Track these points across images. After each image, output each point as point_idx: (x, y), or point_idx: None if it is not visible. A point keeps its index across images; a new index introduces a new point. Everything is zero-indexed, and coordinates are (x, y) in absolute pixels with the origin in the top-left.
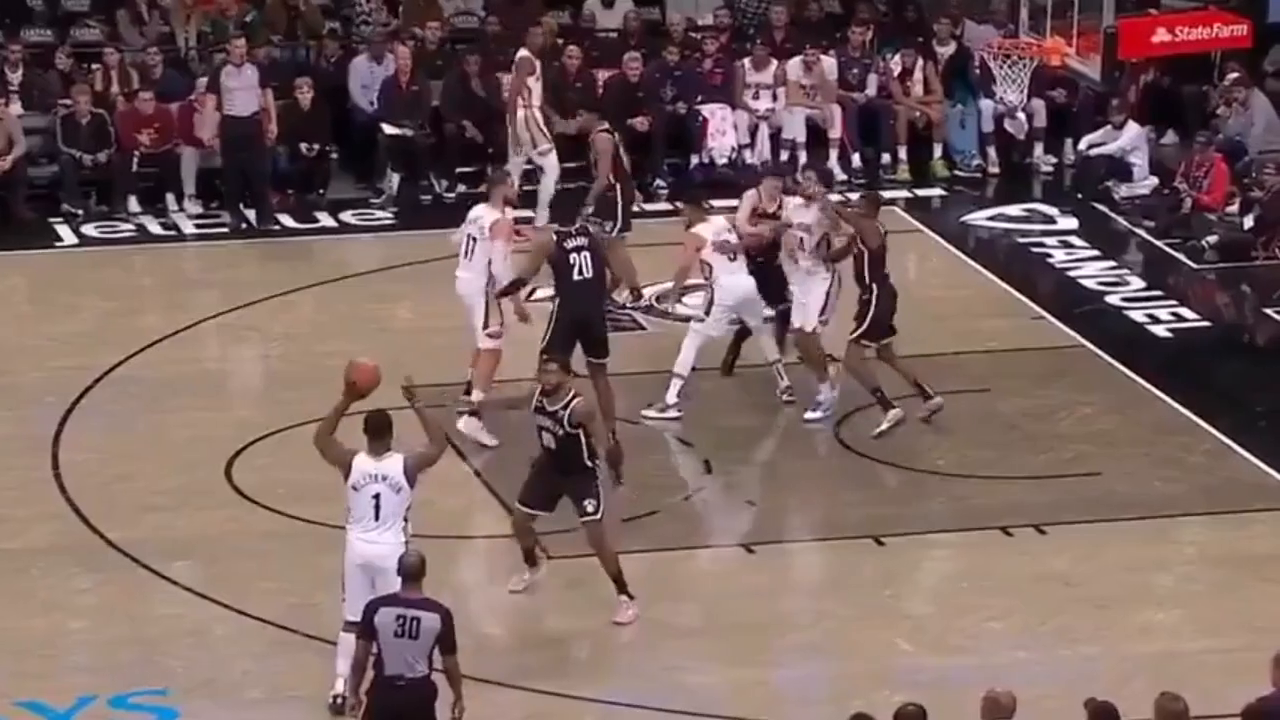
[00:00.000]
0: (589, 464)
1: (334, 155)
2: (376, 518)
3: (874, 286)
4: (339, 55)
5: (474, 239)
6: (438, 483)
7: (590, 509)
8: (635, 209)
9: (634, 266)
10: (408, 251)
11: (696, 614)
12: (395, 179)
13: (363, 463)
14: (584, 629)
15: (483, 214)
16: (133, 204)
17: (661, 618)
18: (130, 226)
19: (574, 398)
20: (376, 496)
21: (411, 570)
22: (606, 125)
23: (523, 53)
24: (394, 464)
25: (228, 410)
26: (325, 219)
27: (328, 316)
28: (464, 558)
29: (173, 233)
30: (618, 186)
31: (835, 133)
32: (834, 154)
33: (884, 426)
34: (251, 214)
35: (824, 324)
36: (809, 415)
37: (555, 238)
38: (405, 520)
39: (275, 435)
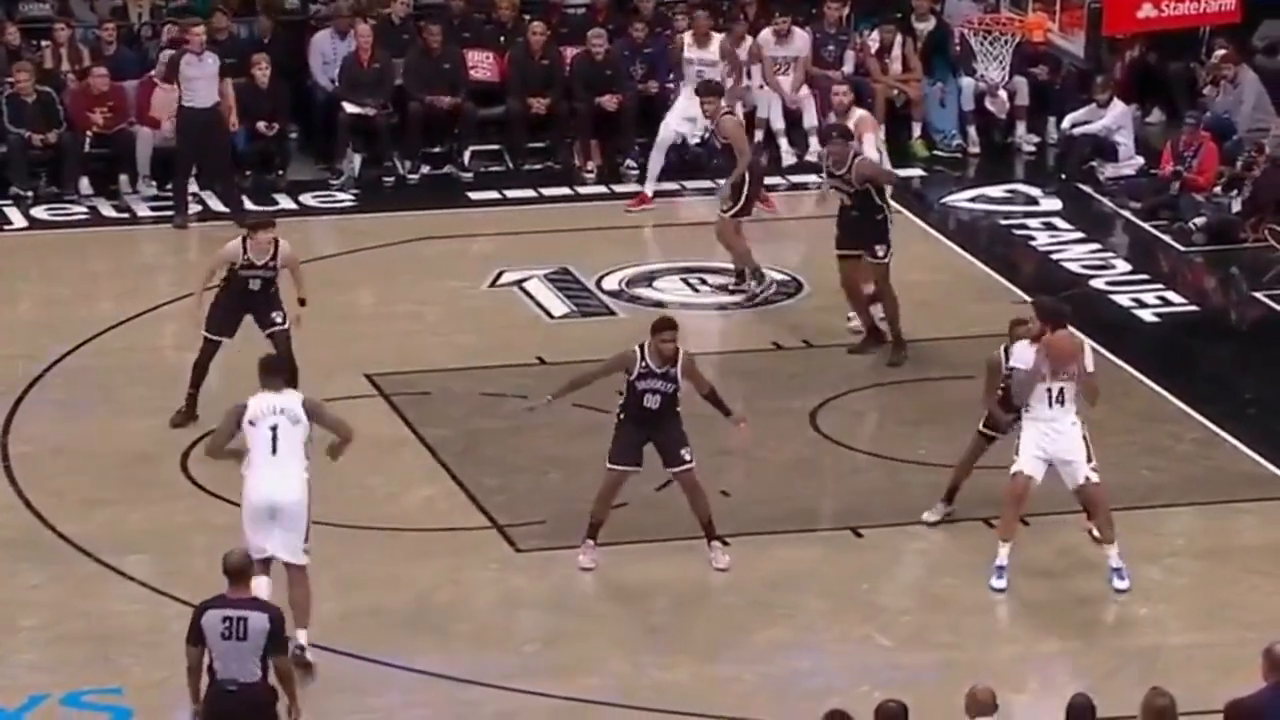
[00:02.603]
0: (678, 411)
1: (293, 135)
2: (274, 451)
3: None
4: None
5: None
6: (403, 475)
7: (688, 457)
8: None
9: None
10: (369, 235)
11: (669, 608)
12: (356, 160)
13: (259, 399)
14: (553, 625)
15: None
16: (84, 185)
17: (633, 612)
18: (82, 209)
19: (678, 350)
20: (274, 429)
21: (234, 568)
22: (729, 108)
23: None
24: (293, 398)
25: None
26: (284, 201)
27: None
28: (430, 551)
29: (126, 215)
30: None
31: (810, 121)
32: (814, 140)
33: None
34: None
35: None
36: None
37: None
38: (306, 457)
39: None
